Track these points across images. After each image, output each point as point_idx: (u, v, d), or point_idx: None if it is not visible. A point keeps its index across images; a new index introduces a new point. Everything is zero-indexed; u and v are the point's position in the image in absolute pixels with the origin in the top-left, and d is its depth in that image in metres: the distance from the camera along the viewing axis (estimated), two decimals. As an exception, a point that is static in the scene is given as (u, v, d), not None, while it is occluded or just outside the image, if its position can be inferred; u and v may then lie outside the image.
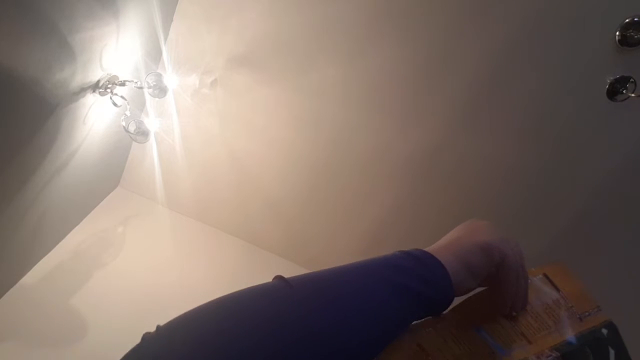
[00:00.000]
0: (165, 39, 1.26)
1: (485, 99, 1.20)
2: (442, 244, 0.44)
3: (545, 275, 0.49)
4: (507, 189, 1.29)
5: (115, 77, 1.07)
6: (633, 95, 1.08)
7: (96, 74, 1.01)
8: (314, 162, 1.37)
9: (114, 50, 1.02)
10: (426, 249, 0.42)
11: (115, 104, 1.08)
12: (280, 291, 0.36)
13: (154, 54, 1.26)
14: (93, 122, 1.09)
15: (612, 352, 0.47)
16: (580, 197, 1.27)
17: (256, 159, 1.41)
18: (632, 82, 1.08)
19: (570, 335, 0.45)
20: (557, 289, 0.49)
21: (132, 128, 1.12)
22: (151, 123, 1.22)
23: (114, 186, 1.51)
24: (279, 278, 0.37)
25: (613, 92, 1.11)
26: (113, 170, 1.46)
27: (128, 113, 1.09)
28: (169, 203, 1.52)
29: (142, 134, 1.14)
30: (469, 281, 0.42)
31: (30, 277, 1.17)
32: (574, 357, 0.44)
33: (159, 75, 1.14)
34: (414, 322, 0.41)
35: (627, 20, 1.04)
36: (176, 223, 1.51)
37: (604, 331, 0.48)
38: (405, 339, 0.40)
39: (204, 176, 1.46)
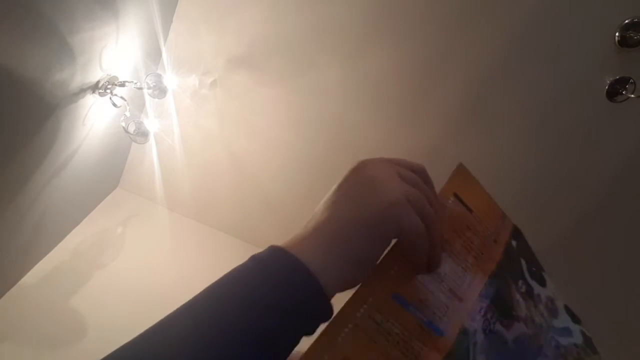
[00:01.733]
0: (165, 39, 1.26)
1: (484, 99, 1.20)
2: (313, 229, 0.33)
3: (456, 196, 0.41)
4: (506, 189, 1.29)
5: (115, 77, 1.07)
6: (633, 96, 1.08)
7: (96, 75, 1.01)
8: (312, 161, 1.37)
9: (113, 51, 1.03)
10: (290, 247, 0.31)
11: (114, 105, 1.08)
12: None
13: (154, 55, 1.26)
14: (92, 122, 1.10)
15: (523, 262, 0.42)
16: (580, 198, 1.27)
17: (255, 159, 1.41)
18: (631, 82, 1.08)
19: (492, 269, 0.38)
20: (470, 210, 0.41)
21: (131, 129, 1.12)
22: (151, 124, 1.22)
23: (113, 187, 1.51)
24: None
25: (613, 92, 1.11)
26: (112, 171, 1.46)
27: (128, 114, 1.09)
28: (169, 203, 1.52)
29: (142, 134, 1.14)
30: (358, 274, 0.32)
31: (30, 277, 1.17)
32: (501, 293, 0.37)
33: (159, 76, 1.14)
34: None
35: (626, 21, 1.04)
36: (175, 223, 1.51)
37: (514, 243, 0.42)
38: (323, 354, 0.29)
39: (203, 177, 1.47)
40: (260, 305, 0.28)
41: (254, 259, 0.32)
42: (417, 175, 0.36)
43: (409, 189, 0.33)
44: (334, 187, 0.36)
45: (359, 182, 0.34)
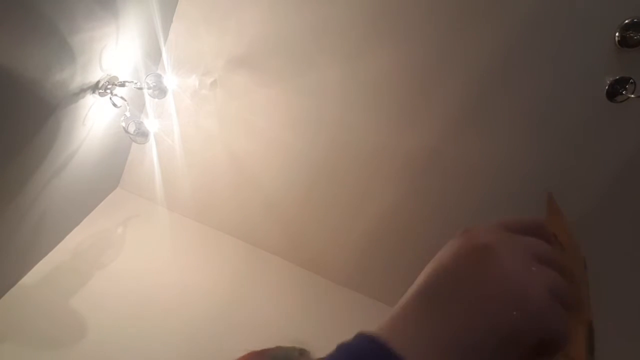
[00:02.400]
0: (165, 40, 1.26)
1: (484, 100, 1.20)
2: (423, 328, 0.25)
3: (556, 237, 0.35)
4: (506, 189, 1.29)
5: (115, 77, 1.07)
6: (633, 96, 1.08)
7: (96, 75, 1.01)
8: (313, 162, 1.37)
9: (113, 51, 1.03)
10: (396, 347, 0.24)
11: (115, 105, 1.08)
12: None
13: (154, 55, 1.26)
14: (93, 122, 1.10)
15: None
16: (580, 198, 1.27)
17: (255, 159, 1.41)
18: (631, 83, 1.08)
19: (589, 319, 0.35)
20: (563, 248, 0.37)
21: (131, 129, 1.12)
22: (151, 124, 1.22)
23: (113, 187, 1.51)
24: None
25: (613, 93, 1.11)
26: (113, 171, 1.46)
27: (128, 114, 1.09)
28: (169, 204, 1.52)
29: (142, 134, 1.14)
30: None
31: (30, 277, 1.17)
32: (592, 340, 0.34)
33: (159, 76, 1.14)
34: None
35: (626, 22, 1.04)
36: (176, 224, 1.51)
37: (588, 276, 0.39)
38: None
39: (203, 177, 1.47)
40: None
41: (350, 355, 0.25)
42: (539, 237, 0.29)
43: (549, 279, 0.26)
44: (442, 266, 0.27)
45: (486, 276, 0.26)
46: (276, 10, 1.19)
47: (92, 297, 1.19)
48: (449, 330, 0.24)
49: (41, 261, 1.21)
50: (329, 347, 0.27)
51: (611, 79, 1.10)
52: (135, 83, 1.10)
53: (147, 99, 1.28)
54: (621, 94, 1.10)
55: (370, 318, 1.38)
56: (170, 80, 1.23)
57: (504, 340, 0.24)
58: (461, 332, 0.24)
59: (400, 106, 1.25)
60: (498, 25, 1.11)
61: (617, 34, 1.05)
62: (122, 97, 1.07)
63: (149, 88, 1.13)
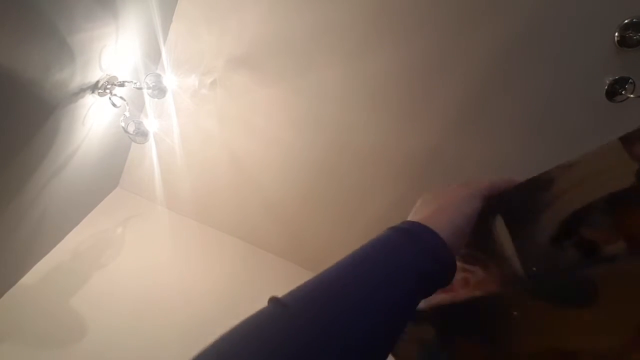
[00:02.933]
0: (165, 39, 1.26)
1: (484, 100, 1.20)
2: (428, 217, 0.44)
3: None
4: (506, 189, 1.29)
5: (115, 77, 1.07)
6: (632, 96, 1.08)
7: (95, 75, 1.01)
8: (312, 162, 1.37)
9: (113, 51, 1.03)
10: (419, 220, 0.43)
11: (114, 105, 1.08)
12: (274, 316, 0.34)
13: (153, 55, 1.26)
14: (92, 122, 1.10)
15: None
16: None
17: (255, 159, 1.41)
18: (631, 82, 1.08)
19: None
20: None
21: (131, 129, 1.12)
22: (150, 124, 1.22)
23: (113, 187, 1.51)
24: (273, 300, 0.35)
25: (612, 93, 1.11)
26: (112, 171, 1.46)
27: (127, 114, 1.09)
28: (168, 204, 1.52)
29: (142, 134, 1.14)
30: (462, 241, 0.45)
31: (30, 277, 1.17)
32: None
33: (158, 76, 1.14)
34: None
35: (626, 22, 1.04)
36: (175, 224, 1.52)
37: None
38: None
39: (203, 177, 1.47)
40: (405, 251, 0.39)
41: (390, 229, 0.42)
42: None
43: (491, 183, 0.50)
44: (429, 195, 0.49)
45: (449, 194, 0.48)
46: (276, 10, 1.19)
47: (92, 297, 1.19)
48: (443, 219, 0.43)
49: (41, 261, 1.21)
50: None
51: (611, 79, 1.10)
52: (135, 83, 1.09)
53: (147, 98, 1.28)
54: (621, 94, 1.10)
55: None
56: (170, 80, 1.23)
57: (468, 218, 0.45)
58: (451, 218, 0.44)
59: (400, 106, 1.25)
60: (498, 25, 1.11)
61: (616, 34, 1.05)
62: (121, 97, 1.06)
63: (148, 88, 1.12)
